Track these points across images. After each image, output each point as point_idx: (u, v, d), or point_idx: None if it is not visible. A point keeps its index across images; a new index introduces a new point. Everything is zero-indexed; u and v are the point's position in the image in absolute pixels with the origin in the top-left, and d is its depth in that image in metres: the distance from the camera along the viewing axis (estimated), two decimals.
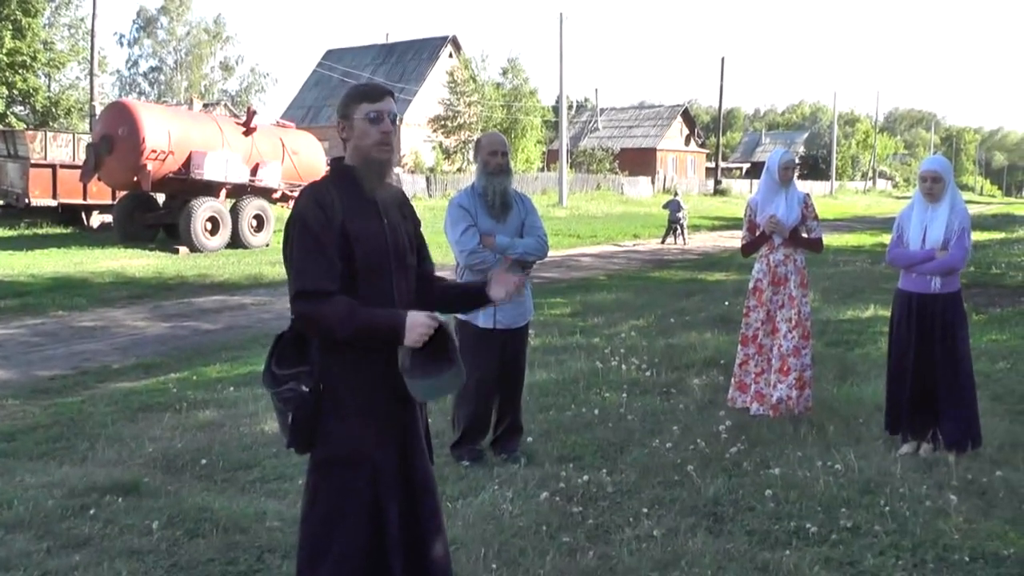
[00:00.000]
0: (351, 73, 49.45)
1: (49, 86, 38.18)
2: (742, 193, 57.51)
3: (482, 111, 47.54)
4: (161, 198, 22.74)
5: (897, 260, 5.84)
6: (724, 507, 4.82)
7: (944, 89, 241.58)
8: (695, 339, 9.33)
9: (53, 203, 23.28)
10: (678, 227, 26.04)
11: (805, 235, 6.62)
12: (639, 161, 59.47)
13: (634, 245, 26.19)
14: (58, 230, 23.82)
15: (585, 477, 5.19)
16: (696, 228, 31.34)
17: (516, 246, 5.52)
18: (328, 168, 3.22)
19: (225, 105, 47.91)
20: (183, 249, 20.33)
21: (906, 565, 4.13)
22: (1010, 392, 7.24)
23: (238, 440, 6.18)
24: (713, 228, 33.57)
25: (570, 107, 57.23)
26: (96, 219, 24.91)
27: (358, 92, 3.14)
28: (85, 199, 23.68)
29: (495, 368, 5.57)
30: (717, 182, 60.08)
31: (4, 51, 33.70)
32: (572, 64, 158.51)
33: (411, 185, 38.17)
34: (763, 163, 6.81)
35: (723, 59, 59.34)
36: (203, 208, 20.62)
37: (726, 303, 11.79)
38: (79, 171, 21.71)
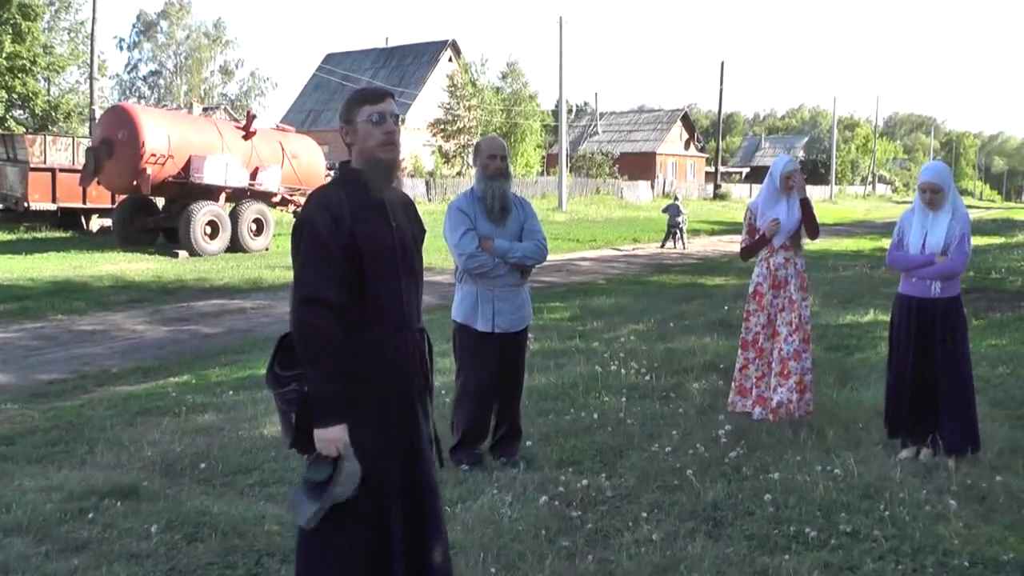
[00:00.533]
0: (351, 77, 49.55)
1: (49, 90, 38.18)
2: (742, 197, 57.56)
3: (482, 115, 47.60)
4: (161, 202, 22.76)
5: (896, 263, 5.85)
6: (723, 511, 4.81)
7: (944, 93, 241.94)
8: (695, 343, 9.33)
9: (52, 207, 23.30)
10: (678, 231, 26.06)
11: (805, 237, 6.62)
12: (639, 165, 59.57)
13: (633, 249, 26.20)
14: (57, 234, 23.81)
15: (584, 481, 5.19)
16: (696, 232, 31.36)
17: (515, 250, 5.52)
18: (335, 172, 3.23)
19: (225, 109, 47.90)
20: (182, 253, 20.34)
21: (906, 570, 4.12)
22: (1010, 397, 7.23)
23: (237, 444, 6.17)
24: (713, 232, 33.58)
25: (570, 111, 57.30)
26: (95, 223, 24.91)
27: (359, 96, 3.16)
28: (85, 203, 23.71)
29: (494, 372, 5.57)
30: (717, 186, 60.14)
31: (4, 55, 33.71)
32: (572, 68, 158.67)
33: (411, 189, 38.17)
34: (763, 167, 6.83)
35: (723, 63, 59.42)
36: (203, 212, 20.62)
37: (726, 307, 11.79)
38: (78, 175, 21.74)
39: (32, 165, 23.01)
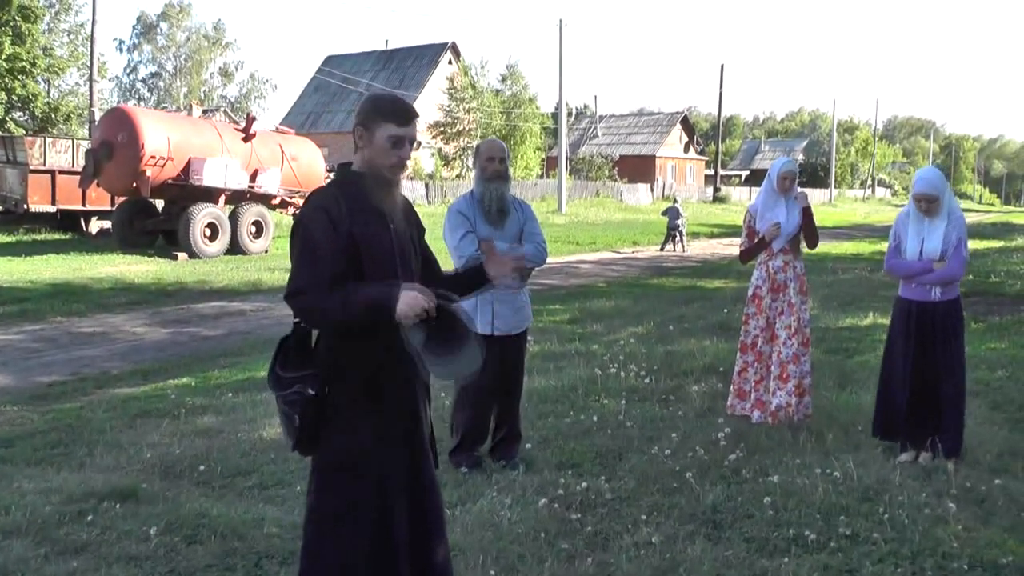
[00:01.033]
0: (351, 79, 49.59)
1: (48, 92, 38.21)
2: (741, 200, 57.60)
3: (481, 118, 47.64)
4: (160, 204, 22.75)
5: (895, 270, 5.88)
6: (723, 514, 4.82)
7: (944, 97, 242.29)
8: (694, 346, 9.33)
9: (52, 209, 23.29)
10: (677, 234, 26.05)
11: (805, 240, 6.63)
12: (638, 168, 59.57)
13: (633, 252, 26.20)
14: (57, 236, 23.79)
15: (584, 484, 5.19)
16: (695, 235, 31.37)
17: (515, 253, 5.51)
18: (335, 173, 3.23)
19: (224, 111, 47.91)
20: (182, 255, 20.33)
21: (905, 573, 4.13)
22: (1009, 401, 7.24)
23: (236, 446, 6.17)
24: (712, 235, 33.59)
25: (569, 114, 57.34)
26: (95, 225, 24.91)
27: (388, 109, 3.12)
28: (84, 205, 23.69)
29: (494, 375, 5.56)
30: (716, 189, 60.16)
31: (4, 57, 33.73)
32: (571, 71, 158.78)
33: (410, 192, 38.16)
34: (762, 170, 6.85)
35: (722, 66, 59.47)
36: (202, 214, 20.62)
37: (725, 310, 11.79)
38: (78, 177, 21.72)
39: (32, 167, 23.00)
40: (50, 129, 35.64)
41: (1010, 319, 11.29)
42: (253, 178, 22.05)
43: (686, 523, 4.71)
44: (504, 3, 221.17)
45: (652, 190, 55.49)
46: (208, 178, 20.76)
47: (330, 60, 57.15)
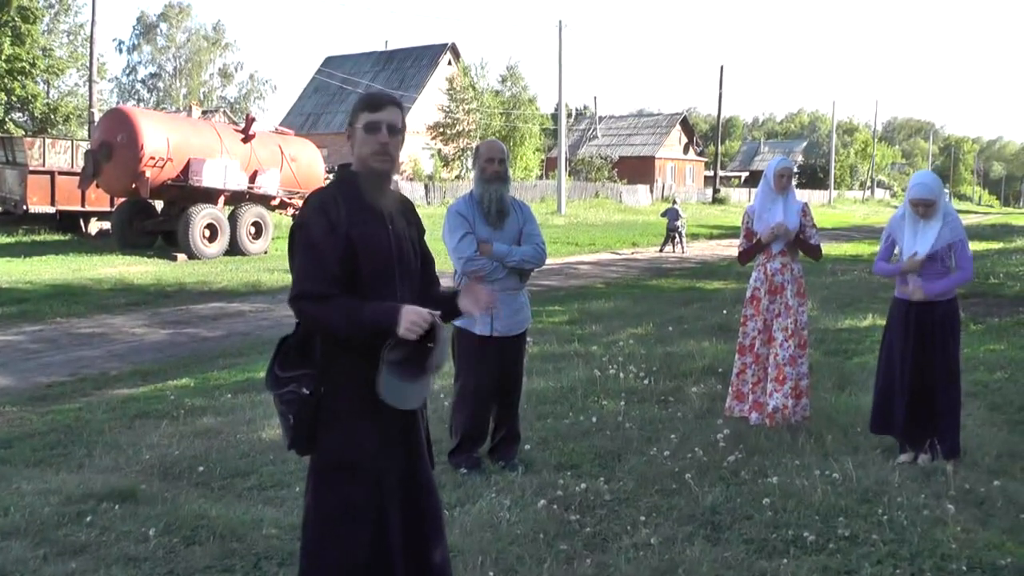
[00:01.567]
0: (350, 80, 49.60)
1: (48, 93, 38.22)
2: (740, 202, 57.61)
3: (481, 119, 47.65)
4: (160, 205, 22.76)
5: (883, 272, 5.99)
6: (722, 515, 4.82)
7: (943, 99, 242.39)
8: (693, 347, 9.33)
9: (51, 210, 23.28)
10: (676, 235, 26.06)
11: (803, 238, 6.62)
12: (638, 169, 59.59)
13: (632, 253, 26.21)
14: (56, 237, 23.78)
15: (583, 485, 5.19)
16: (695, 236, 31.38)
17: (513, 254, 5.52)
18: (334, 174, 3.24)
19: (224, 112, 47.98)
20: (181, 256, 20.33)
21: (904, 574, 4.13)
22: (1008, 402, 7.24)
23: (235, 447, 6.17)
24: (711, 236, 33.60)
25: (569, 115, 57.39)
26: (94, 226, 24.91)
27: (362, 101, 3.17)
28: (83, 206, 23.69)
29: (493, 376, 5.57)
30: (716, 190, 60.18)
31: (3, 57, 33.74)
32: (571, 72, 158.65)
33: (410, 192, 38.18)
34: (761, 172, 6.82)
35: (722, 67, 59.50)
36: (201, 215, 20.62)
37: (724, 311, 11.79)
38: (77, 178, 21.72)
39: (31, 168, 23.01)
40: (49, 130, 35.65)
41: (1009, 320, 11.29)
42: (252, 179, 22.05)
43: (685, 524, 4.71)
44: (504, 4, 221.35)
45: (651, 191, 55.51)
46: (207, 179, 20.76)
47: (330, 61, 57.15)
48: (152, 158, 19.90)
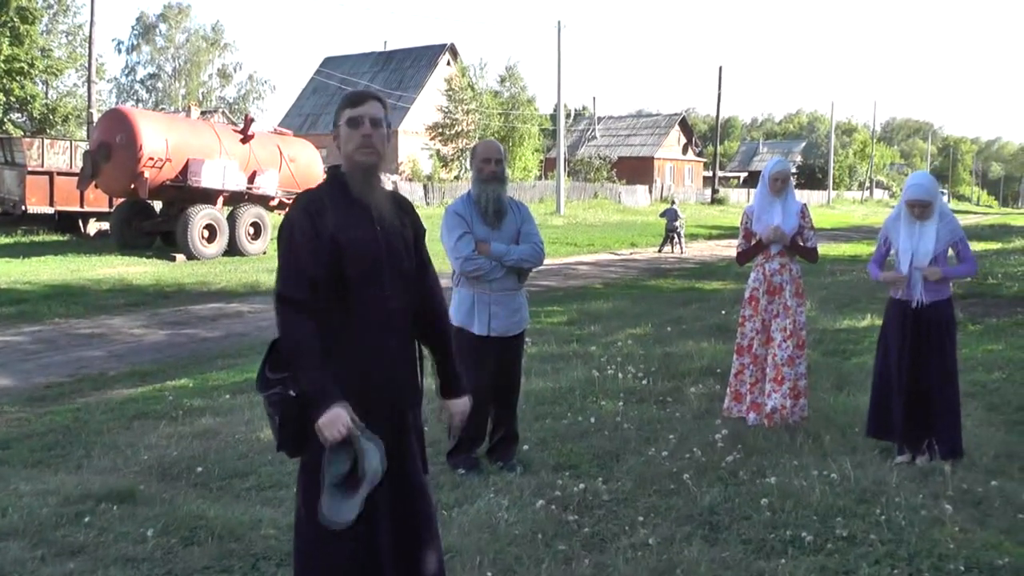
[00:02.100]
0: (349, 80, 49.54)
1: (47, 93, 38.20)
2: (739, 202, 57.61)
3: (480, 119, 47.66)
4: (158, 205, 22.76)
5: (876, 278, 6.00)
6: (720, 516, 4.82)
7: (942, 99, 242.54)
8: (692, 348, 9.33)
9: (50, 210, 23.28)
10: (675, 236, 26.06)
11: (802, 243, 6.61)
12: (637, 170, 59.62)
13: (631, 254, 26.21)
14: (55, 237, 23.79)
15: (581, 486, 5.19)
16: (693, 237, 31.37)
17: (511, 253, 5.52)
18: (326, 174, 3.25)
19: (223, 112, 47.94)
20: (180, 257, 20.33)
21: (901, 574, 4.13)
22: (1006, 403, 7.25)
23: (234, 448, 6.17)
24: (710, 237, 33.60)
25: (568, 115, 57.37)
26: (93, 227, 24.91)
27: (343, 99, 3.21)
28: (82, 206, 23.67)
29: (491, 376, 5.57)
30: (714, 191, 60.20)
31: (2, 58, 33.71)
32: (570, 72, 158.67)
33: (409, 193, 38.19)
34: (760, 172, 6.81)
35: (720, 68, 59.51)
36: (200, 216, 20.61)
37: (723, 312, 11.80)
38: (76, 178, 21.72)
39: (30, 168, 23.00)
40: (48, 130, 35.62)
41: (1007, 321, 11.29)
42: (251, 179, 22.06)
43: (683, 524, 4.71)
44: (502, 5, 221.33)
45: (650, 192, 55.52)
46: (206, 179, 20.76)
47: (329, 61, 57.16)
48: (151, 159, 19.90)
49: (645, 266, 22.28)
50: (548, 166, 55.87)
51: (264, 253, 21.89)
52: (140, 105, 61.93)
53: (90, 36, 30.33)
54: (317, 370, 2.96)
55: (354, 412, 2.99)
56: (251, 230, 22.02)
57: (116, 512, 4.88)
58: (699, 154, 69.81)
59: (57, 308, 13.38)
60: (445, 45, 52.89)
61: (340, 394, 2.94)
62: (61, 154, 24.64)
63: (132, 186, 20.12)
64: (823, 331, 10.54)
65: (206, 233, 20.84)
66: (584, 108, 77.05)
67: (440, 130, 47.45)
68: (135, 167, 19.75)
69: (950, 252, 5.82)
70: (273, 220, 22.92)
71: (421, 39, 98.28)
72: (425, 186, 41.60)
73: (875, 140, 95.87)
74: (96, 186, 21.31)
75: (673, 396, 7.46)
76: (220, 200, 21.47)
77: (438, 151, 47.68)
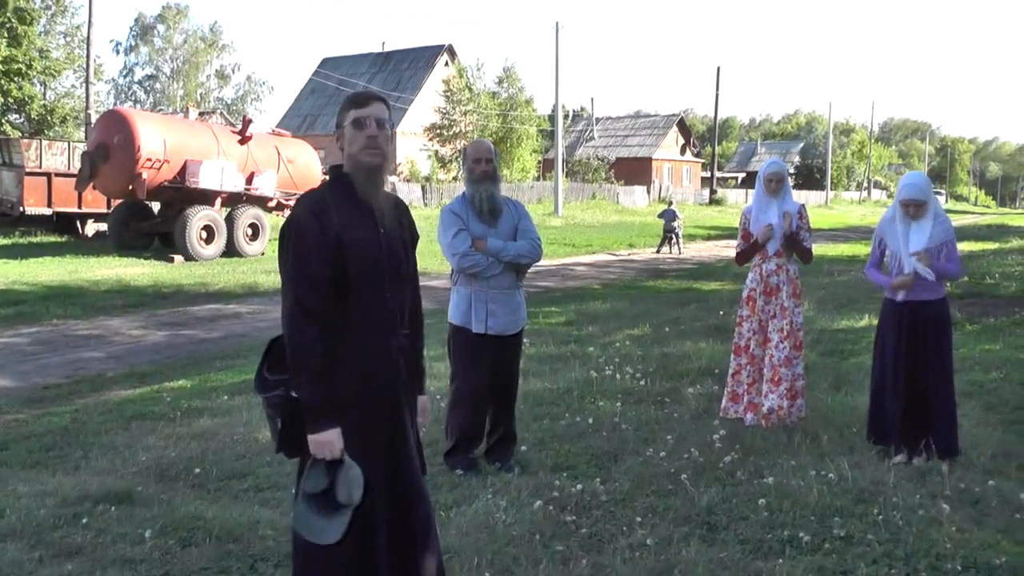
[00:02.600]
0: (347, 81, 49.49)
1: (44, 94, 38.16)
2: (737, 203, 57.63)
3: (478, 120, 47.66)
4: (156, 207, 22.74)
5: (875, 281, 6.04)
6: (718, 516, 4.82)
7: (940, 99, 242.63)
8: (690, 348, 9.34)
9: (48, 212, 23.25)
10: (673, 236, 26.06)
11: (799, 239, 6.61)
12: (635, 170, 59.64)
13: (629, 254, 26.22)
14: (53, 239, 23.78)
15: (579, 486, 5.19)
16: (691, 238, 31.39)
17: (508, 249, 5.52)
18: (326, 176, 3.25)
19: (221, 113, 47.87)
20: (178, 258, 20.31)
21: (899, 574, 4.13)
22: (1003, 402, 7.26)
23: (232, 449, 6.17)
24: (708, 238, 33.61)
25: (566, 116, 57.34)
26: (91, 228, 24.89)
27: (348, 100, 3.20)
28: (80, 208, 23.65)
29: (488, 375, 5.57)
30: (712, 191, 60.21)
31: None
32: (568, 73, 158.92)
33: (407, 194, 38.19)
34: (758, 172, 6.82)
35: (718, 69, 59.55)
36: (198, 217, 20.61)
37: (721, 312, 11.81)
38: (74, 179, 21.70)
39: (28, 170, 22.99)
40: (46, 131, 35.57)
41: (1004, 321, 11.30)
42: (249, 180, 22.05)
43: (681, 525, 4.72)
44: (500, 6, 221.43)
45: (648, 192, 55.56)
46: (204, 180, 20.75)
47: (327, 62, 57.14)
48: (149, 160, 19.89)
49: (643, 267, 22.29)
50: (546, 167, 55.89)
51: (262, 254, 21.88)
52: (138, 106, 61.91)
53: (88, 37, 30.32)
54: (320, 384, 2.97)
55: (356, 414, 3.00)
56: (249, 231, 22.01)
57: (114, 513, 4.88)
58: (697, 155, 69.83)
59: (55, 309, 13.38)
60: (443, 46, 52.88)
61: (335, 415, 2.97)
62: (59, 155, 24.63)
63: (130, 187, 20.12)
64: (821, 331, 10.55)
65: (204, 234, 20.83)
66: (582, 109, 77.02)
67: (438, 131, 47.44)
68: (133, 168, 19.74)
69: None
70: (271, 221, 22.93)
71: (419, 40, 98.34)
72: (423, 187, 41.60)
73: (873, 140, 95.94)
74: (94, 187, 21.30)
75: (671, 397, 7.47)
76: (218, 201, 21.46)
77: (436, 152, 47.68)
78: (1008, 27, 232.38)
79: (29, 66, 34.90)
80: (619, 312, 13.14)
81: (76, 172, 21.84)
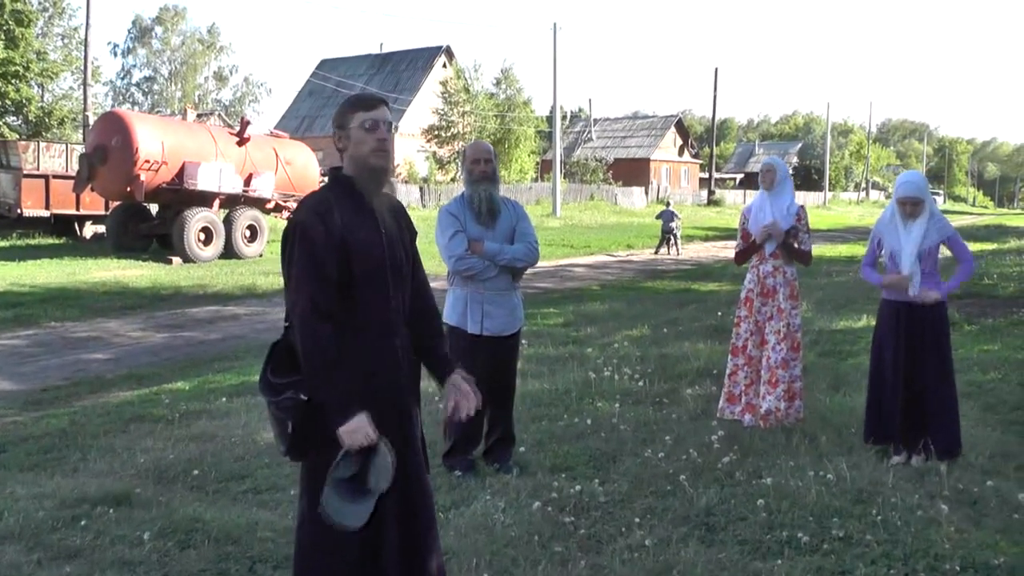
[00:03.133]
0: (345, 83, 49.57)
1: (42, 96, 38.14)
2: (736, 203, 57.65)
3: (476, 121, 47.66)
4: (155, 208, 22.73)
5: (869, 280, 6.05)
6: (716, 517, 4.83)
7: (937, 100, 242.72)
8: (688, 349, 9.34)
9: (46, 214, 23.24)
10: (672, 237, 26.08)
11: (796, 246, 6.60)
12: (633, 171, 59.65)
13: (627, 255, 26.23)
14: (51, 241, 23.76)
15: (577, 487, 5.19)
16: (690, 238, 31.40)
17: (505, 252, 5.52)
18: (327, 178, 3.25)
19: (219, 115, 47.97)
20: (176, 259, 20.30)
21: (898, 574, 4.14)
22: (1002, 402, 7.26)
23: (230, 451, 6.17)
24: (707, 238, 33.63)
25: (564, 117, 57.44)
26: (89, 230, 24.87)
27: (353, 102, 3.19)
28: (78, 209, 23.64)
29: (486, 376, 5.56)
30: (711, 192, 60.23)
31: None
32: (566, 74, 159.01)
33: (405, 195, 38.20)
34: (757, 173, 6.82)
35: (716, 69, 59.68)
36: (196, 218, 20.60)
37: (719, 313, 11.81)
38: (72, 181, 21.69)
39: (25, 172, 22.98)
40: (44, 133, 35.53)
41: (1003, 321, 11.31)
42: (247, 182, 22.05)
43: (679, 526, 4.72)
44: (499, 7, 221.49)
45: (646, 193, 55.55)
46: (202, 182, 20.75)
47: (324, 64, 57.12)
48: (147, 161, 19.88)
49: (641, 268, 22.30)
50: (544, 168, 55.91)
51: (260, 256, 21.87)
52: (136, 108, 61.92)
53: (86, 39, 30.34)
54: (340, 378, 2.96)
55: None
56: (247, 233, 21.99)
57: (112, 515, 4.87)
58: (695, 155, 69.86)
59: (53, 311, 13.37)
60: (441, 47, 52.87)
61: (358, 403, 2.96)
62: (57, 157, 24.62)
63: (128, 189, 20.10)
64: (819, 332, 10.56)
65: (202, 236, 20.82)
66: (580, 110, 77.09)
67: (436, 132, 47.45)
68: (131, 170, 19.74)
69: (945, 251, 5.85)
70: (269, 223, 22.92)
71: (417, 41, 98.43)
72: (421, 188, 41.61)
73: (871, 141, 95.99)
74: (92, 189, 21.29)
75: (669, 397, 7.47)
76: (216, 203, 21.45)
77: (434, 153, 47.69)
78: (1006, 28, 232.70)
79: (27, 68, 34.89)
80: (617, 313, 13.15)
81: (74, 174, 21.82)
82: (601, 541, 4.57)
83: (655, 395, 7.52)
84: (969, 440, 5.98)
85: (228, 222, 21.55)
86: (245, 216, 21.91)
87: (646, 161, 62.58)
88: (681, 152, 67.03)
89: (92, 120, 26.08)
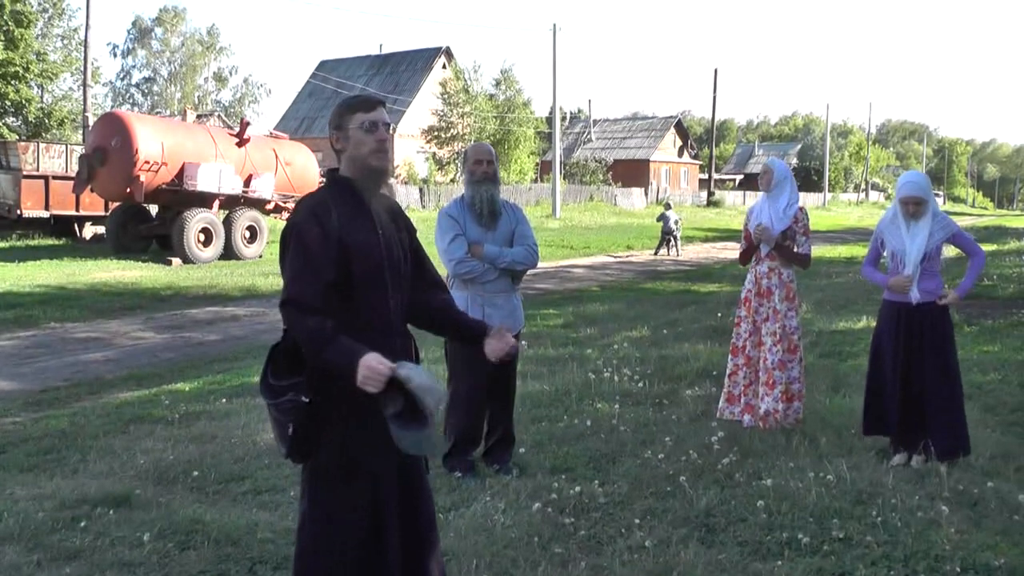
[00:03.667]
0: (345, 84, 49.59)
1: (42, 97, 38.12)
2: (735, 205, 57.69)
3: (475, 122, 47.66)
4: (154, 209, 22.73)
5: (870, 279, 6.08)
6: (716, 518, 4.83)
7: (937, 101, 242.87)
8: (688, 350, 9.34)
9: (46, 215, 23.24)
10: (671, 238, 26.07)
11: (795, 249, 6.58)
12: (632, 172, 59.67)
13: (627, 256, 26.23)
14: (51, 242, 23.77)
15: (577, 488, 5.19)
16: (689, 239, 31.40)
17: (504, 255, 5.53)
18: (324, 179, 3.25)
19: (219, 116, 47.92)
20: (176, 260, 20.30)
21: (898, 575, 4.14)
22: (1002, 404, 7.26)
23: (230, 452, 6.17)
24: (706, 239, 33.63)
25: (563, 118, 57.42)
26: (89, 231, 24.87)
27: (352, 103, 3.18)
28: (78, 210, 23.64)
29: (486, 378, 5.56)
30: (710, 193, 60.23)
31: None
32: (565, 75, 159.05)
33: (404, 196, 38.21)
34: (756, 175, 6.82)
35: (716, 71, 59.81)
36: (196, 219, 20.60)
37: (719, 314, 11.81)
38: (72, 182, 21.70)
39: (25, 172, 22.97)
40: (43, 134, 35.55)
41: (1003, 322, 11.31)
42: (247, 183, 22.05)
43: (679, 527, 4.72)
44: (498, 8, 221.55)
45: (646, 194, 55.57)
46: (202, 183, 20.75)
47: (324, 65, 57.14)
48: (146, 162, 19.89)
49: (641, 269, 22.29)
50: (544, 169, 55.90)
51: (260, 257, 21.87)
52: (136, 109, 61.91)
53: (85, 40, 30.34)
54: (339, 339, 2.92)
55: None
56: (247, 234, 22.00)
57: (112, 516, 4.87)
58: (695, 157, 69.87)
59: (53, 312, 13.36)
60: (440, 48, 52.89)
61: (360, 349, 2.89)
62: (56, 158, 24.61)
63: (128, 190, 20.11)
64: (819, 333, 10.56)
65: (202, 237, 20.83)
66: (580, 111, 77.07)
67: (435, 133, 47.45)
68: (131, 171, 19.74)
69: (951, 250, 5.85)
70: (269, 224, 22.93)
71: (417, 42, 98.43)
72: (421, 189, 41.62)
73: (870, 142, 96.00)
74: (92, 190, 21.30)
75: (669, 398, 7.47)
76: (216, 204, 21.45)
77: (434, 154, 47.70)
78: (1006, 28, 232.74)
79: (26, 69, 34.91)
80: (617, 314, 13.15)
81: (74, 175, 21.82)
82: (601, 542, 4.57)
83: (655, 396, 7.52)
84: (969, 441, 5.98)
85: (228, 223, 21.56)
86: (245, 217, 21.92)
87: (646, 162, 62.61)
88: (681, 153, 67.04)
89: (92, 121, 26.07)
